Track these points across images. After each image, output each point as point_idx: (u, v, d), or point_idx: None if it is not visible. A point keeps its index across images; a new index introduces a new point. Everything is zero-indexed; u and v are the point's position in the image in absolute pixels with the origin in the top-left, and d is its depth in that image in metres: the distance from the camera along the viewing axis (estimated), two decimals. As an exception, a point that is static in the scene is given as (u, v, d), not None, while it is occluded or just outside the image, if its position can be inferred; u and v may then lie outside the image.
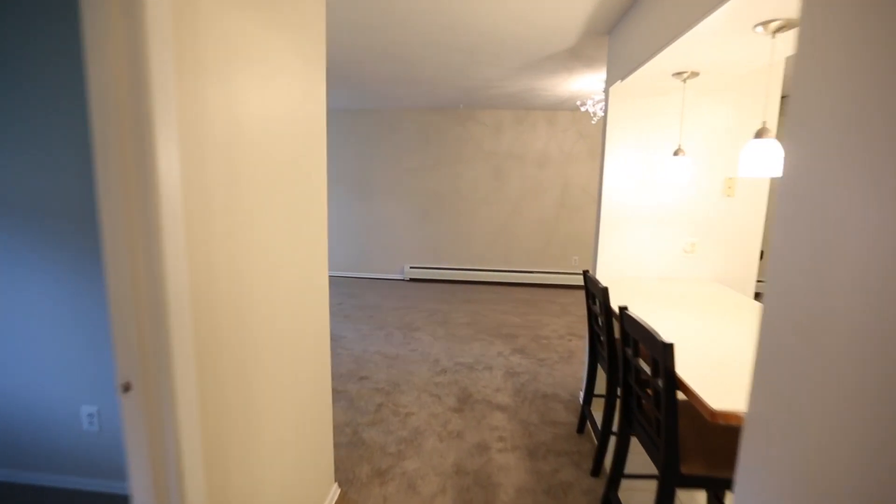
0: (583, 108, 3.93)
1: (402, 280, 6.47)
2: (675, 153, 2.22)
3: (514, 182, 6.19)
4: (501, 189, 6.23)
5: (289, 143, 1.50)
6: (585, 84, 4.07)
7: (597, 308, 2.26)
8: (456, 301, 5.45)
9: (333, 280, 6.36)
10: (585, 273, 2.37)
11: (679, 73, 2.07)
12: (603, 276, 2.74)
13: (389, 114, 6.25)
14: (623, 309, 1.71)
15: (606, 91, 2.62)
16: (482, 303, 5.39)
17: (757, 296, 2.64)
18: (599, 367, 2.57)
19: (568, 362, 3.69)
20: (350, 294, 5.67)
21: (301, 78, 1.56)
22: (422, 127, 6.23)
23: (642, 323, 1.52)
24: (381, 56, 3.41)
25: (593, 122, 4.03)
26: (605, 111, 2.62)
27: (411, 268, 6.45)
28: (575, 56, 3.24)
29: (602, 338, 2.20)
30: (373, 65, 3.70)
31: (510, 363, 3.65)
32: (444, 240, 6.44)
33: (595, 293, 2.19)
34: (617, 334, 2.05)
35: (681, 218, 2.67)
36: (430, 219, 6.42)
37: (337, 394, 3.07)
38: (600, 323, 2.20)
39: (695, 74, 2.05)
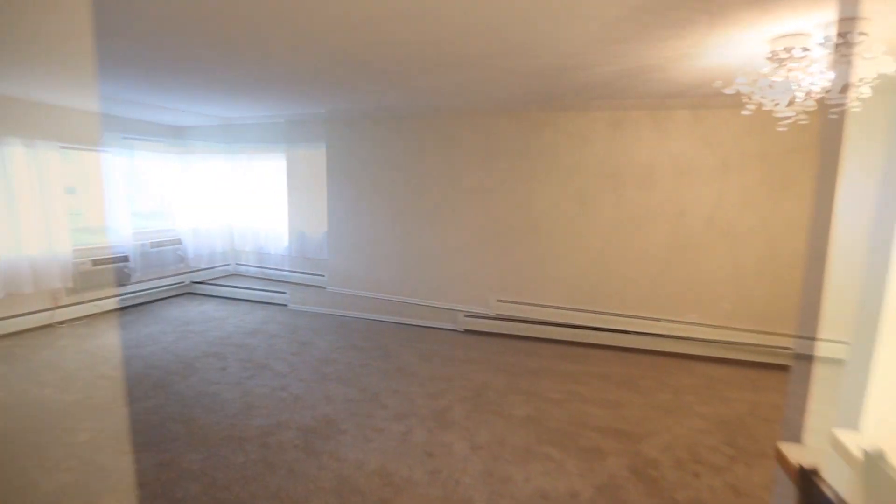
0: (728, 91, 2.35)
1: (456, 331, 5.09)
2: None
3: (605, 209, 4.59)
4: (588, 218, 4.65)
5: None
6: (734, 49, 2.48)
7: None
8: (517, 370, 3.93)
9: (369, 325, 5.15)
10: (807, 476, 0.83)
11: None
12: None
13: (442, 120, 4.99)
14: None
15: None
16: (553, 376, 3.82)
17: None
18: None
19: (700, 537, 2.04)
20: (383, 351, 4.39)
21: None
22: (482, 136, 4.88)
23: None
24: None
25: (746, 112, 2.42)
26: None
27: (466, 317, 5.05)
28: (732, -24, 1.71)
29: None
30: (384, 44, 2.45)
31: (591, 526, 2.09)
32: (509, 283, 4.98)
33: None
34: None
35: None
36: (492, 254, 5.00)
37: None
38: None
39: None
